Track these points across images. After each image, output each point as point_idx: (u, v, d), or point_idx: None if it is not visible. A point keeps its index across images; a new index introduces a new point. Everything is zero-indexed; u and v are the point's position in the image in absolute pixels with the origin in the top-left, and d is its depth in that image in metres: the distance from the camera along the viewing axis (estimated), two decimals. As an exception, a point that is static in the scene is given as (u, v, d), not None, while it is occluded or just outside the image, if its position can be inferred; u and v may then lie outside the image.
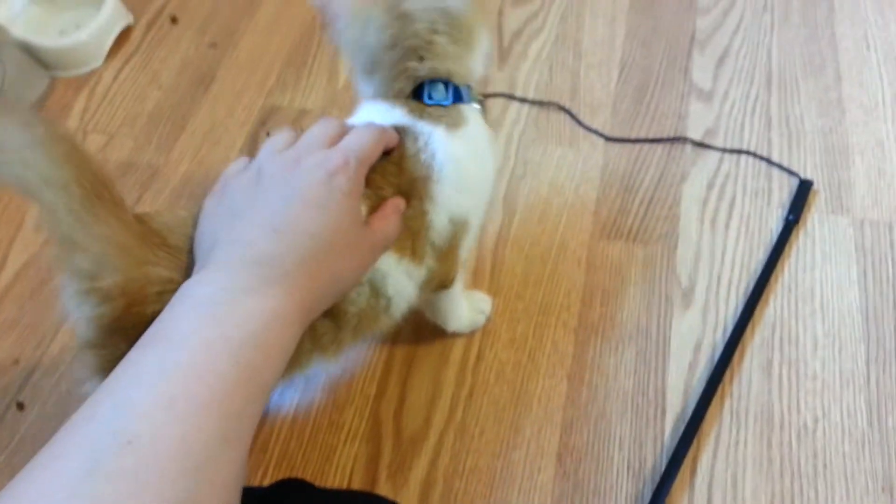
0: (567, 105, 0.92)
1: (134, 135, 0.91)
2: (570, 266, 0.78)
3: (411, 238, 0.54)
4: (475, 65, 0.58)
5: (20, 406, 0.70)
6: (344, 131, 0.51)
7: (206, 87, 0.96)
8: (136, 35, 1.03)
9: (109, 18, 1.00)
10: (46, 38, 0.97)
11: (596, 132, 0.90)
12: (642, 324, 0.74)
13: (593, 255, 0.79)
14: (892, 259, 0.78)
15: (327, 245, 0.45)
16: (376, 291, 0.53)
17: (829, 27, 1.02)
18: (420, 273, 0.56)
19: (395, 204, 0.52)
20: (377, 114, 0.56)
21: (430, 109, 0.56)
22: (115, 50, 1.00)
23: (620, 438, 0.67)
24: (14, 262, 0.80)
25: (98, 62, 0.99)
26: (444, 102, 0.56)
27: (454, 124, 0.55)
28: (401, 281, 0.54)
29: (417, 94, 0.56)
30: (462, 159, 0.55)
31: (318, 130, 0.50)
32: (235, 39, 1.02)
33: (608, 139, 0.89)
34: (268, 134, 0.90)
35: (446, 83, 0.56)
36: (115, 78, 0.98)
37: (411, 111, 0.55)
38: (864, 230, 0.80)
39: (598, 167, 0.87)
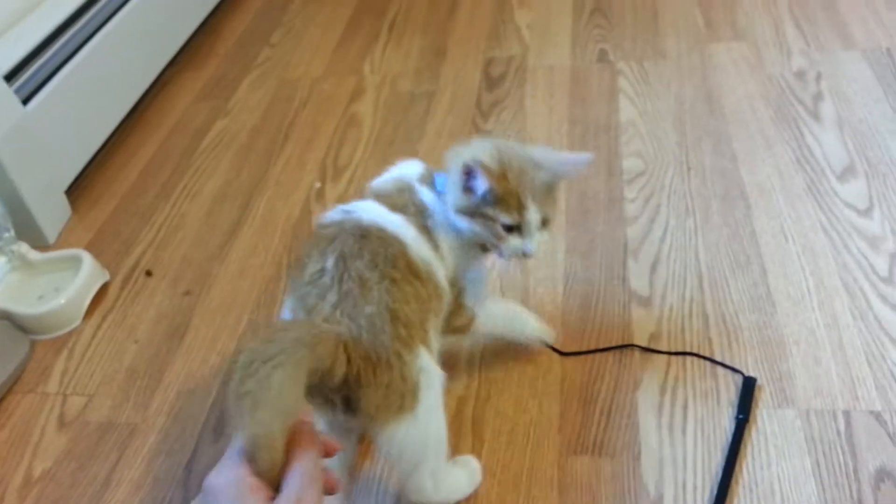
0: (521, 322, 0.99)
1: (112, 393, 0.95)
2: (544, 489, 0.81)
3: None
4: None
5: None
6: None
7: (180, 337, 1.02)
8: (112, 291, 1.09)
9: (87, 280, 1.06)
10: (26, 306, 1.03)
11: (551, 347, 0.96)
12: (618, 542, 0.76)
13: (563, 474, 0.82)
14: (841, 447, 0.83)
15: None
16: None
17: (749, 224, 1.13)
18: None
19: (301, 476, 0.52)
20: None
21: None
22: (93, 307, 1.06)
23: None
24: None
25: (77, 322, 1.04)
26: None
27: None
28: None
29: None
30: None
31: None
32: (208, 285, 1.09)
33: (563, 354, 0.95)
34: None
35: None
36: (94, 336, 1.03)
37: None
38: (810, 421, 0.85)
39: (557, 381, 0.92)
